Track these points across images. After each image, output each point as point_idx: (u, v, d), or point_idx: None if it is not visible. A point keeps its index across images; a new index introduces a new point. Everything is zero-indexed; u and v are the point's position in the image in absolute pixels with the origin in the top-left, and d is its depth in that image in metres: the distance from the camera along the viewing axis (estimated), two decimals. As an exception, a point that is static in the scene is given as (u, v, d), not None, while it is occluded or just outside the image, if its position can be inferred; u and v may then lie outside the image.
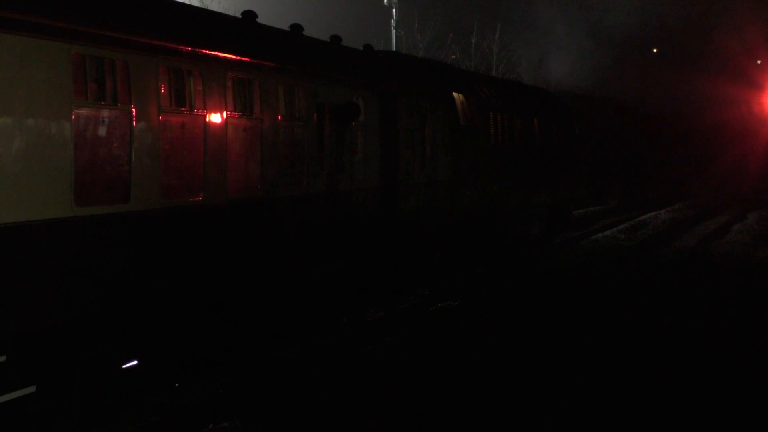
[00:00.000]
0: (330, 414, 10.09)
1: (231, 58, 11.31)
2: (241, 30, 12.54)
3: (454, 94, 18.45)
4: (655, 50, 71.92)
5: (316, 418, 9.95)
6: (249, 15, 13.26)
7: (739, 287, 18.77)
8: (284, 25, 14.58)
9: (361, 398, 10.65)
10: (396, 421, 9.90)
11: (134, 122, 9.57)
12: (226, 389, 10.87)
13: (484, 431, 9.70)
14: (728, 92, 61.69)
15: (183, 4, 11.92)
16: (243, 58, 11.57)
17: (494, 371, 11.95)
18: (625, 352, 12.96)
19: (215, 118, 10.93)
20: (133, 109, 9.55)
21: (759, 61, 65.65)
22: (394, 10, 38.45)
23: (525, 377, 11.59)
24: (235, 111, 11.33)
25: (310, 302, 13.68)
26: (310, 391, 10.90)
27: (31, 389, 8.55)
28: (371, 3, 46.39)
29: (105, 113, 9.37)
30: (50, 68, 8.48)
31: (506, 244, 21.72)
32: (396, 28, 38.98)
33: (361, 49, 17.41)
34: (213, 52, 10.93)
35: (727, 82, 61.04)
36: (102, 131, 9.43)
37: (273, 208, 12.26)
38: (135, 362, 10.27)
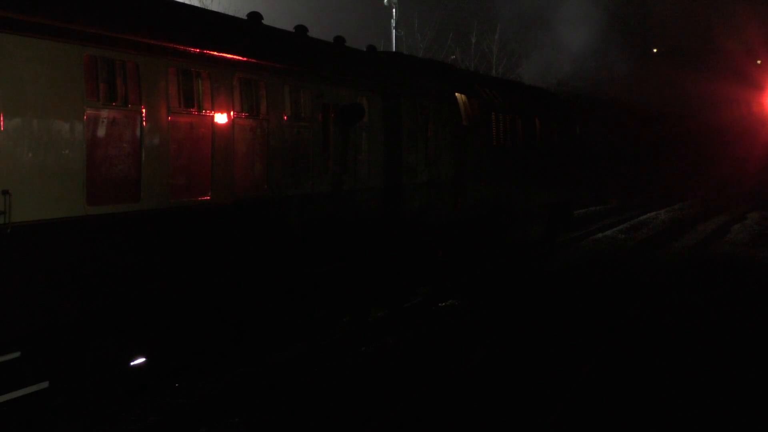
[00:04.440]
0: (330, 414, 10.19)
1: (238, 59, 11.45)
2: (248, 31, 12.68)
3: (456, 94, 18.59)
4: (655, 50, 72.04)
5: (316, 418, 10.05)
6: (254, 16, 13.39)
7: (739, 287, 18.90)
8: (284, 26, 14.69)
9: (362, 398, 10.75)
10: (397, 421, 10.01)
11: (144, 123, 9.71)
12: (226, 389, 10.96)
13: (485, 430, 9.84)
14: (728, 92, 61.76)
15: (191, 6, 12.07)
16: (250, 60, 11.71)
17: (495, 371, 12.07)
18: (625, 350, 13.10)
19: (223, 118, 11.06)
20: (143, 110, 9.68)
21: (759, 61, 65.74)
22: (394, 10, 38.55)
23: (526, 377, 11.70)
24: (242, 111, 11.47)
25: (314, 301, 13.82)
26: (311, 391, 11.00)
27: (44, 385, 8.69)
28: (371, 3, 46.52)
29: (116, 114, 9.50)
30: (63, 70, 8.62)
31: (508, 243, 21.85)
32: (396, 28, 39.07)
33: (365, 50, 17.55)
34: (221, 54, 11.08)
35: (727, 82, 61.11)
36: (113, 131, 9.56)
37: (279, 207, 12.40)
38: (143, 359, 10.40)
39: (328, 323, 14.39)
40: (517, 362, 12.44)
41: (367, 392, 10.99)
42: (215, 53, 10.97)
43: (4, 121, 8.01)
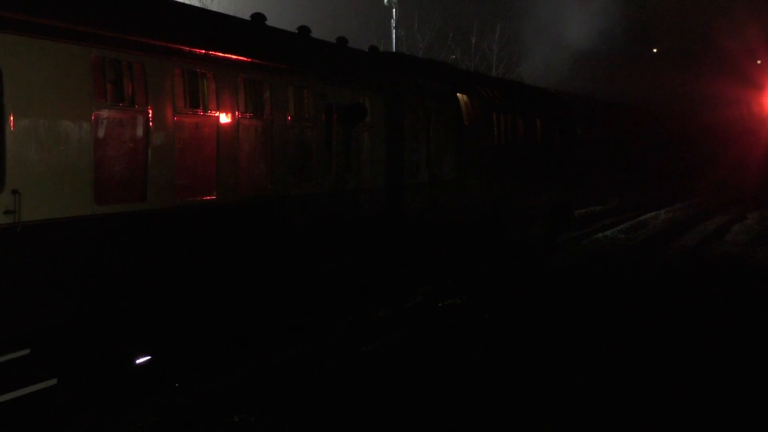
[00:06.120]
0: (331, 414, 10.23)
1: (242, 60, 11.55)
2: (252, 32, 12.78)
3: (458, 94, 18.68)
4: (655, 50, 72.16)
5: (316, 418, 10.10)
6: (258, 17, 13.49)
7: (739, 287, 18.97)
8: (285, 27, 14.76)
9: (362, 398, 10.81)
10: (398, 420, 10.08)
11: (150, 123, 9.81)
12: (226, 389, 10.99)
13: (485, 430, 9.92)
14: (728, 92, 61.85)
15: (195, 8, 12.15)
16: (254, 60, 11.82)
17: (496, 369, 12.14)
18: (625, 350, 13.18)
19: (227, 118, 11.17)
20: (150, 111, 9.79)
21: (759, 61, 65.85)
22: (394, 10, 38.62)
23: (526, 376, 11.76)
24: (246, 112, 11.58)
25: (317, 299, 13.90)
26: (312, 390, 11.06)
27: (53, 382, 8.78)
28: (371, 3, 46.60)
29: (123, 114, 9.62)
30: (71, 71, 8.72)
31: (509, 243, 21.95)
32: (396, 28, 39.15)
33: (367, 50, 17.65)
34: (225, 55, 11.18)
35: (727, 82, 61.21)
36: (120, 132, 9.68)
37: (282, 206, 12.50)
38: (148, 358, 10.48)
39: (331, 322, 14.48)
40: (517, 361, 12.52)
41: (368, 392, 11.05)
42: (220, 54, 11.07)
43: (13, 121, 8.11)
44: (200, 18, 11.94)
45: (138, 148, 9.79)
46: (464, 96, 18.93)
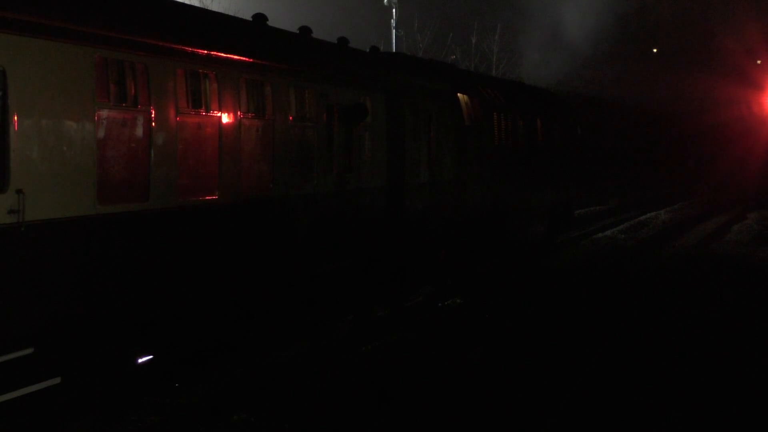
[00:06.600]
0: (331, 414, 10.25)
1: (244, 60, 11.60)
2: (253, 33, 12.83)
3: (458, 94, 18.72)
4: (655, 50, 72.21)
5: (316, 418, 10.12)
6: (260, 18, 13.53)
7: (740, 287, 19.01)
8: (285, 27, 14.80)
9: (364, 397, 10.83)
10: (399, 420, 10.10)
11: (153, 123, 9.86)
12: (226, 389, 11.02)
13: (484, 429, 9.94)
14: (728, 92, 61.87)
15: (197, 8, 12.18)
16: (256, 61, 11.87)
17: (495, 369, 12.17)
18: (626, 350, 13.21)
19: (229, 119, 11.22)
20: (152, 111, 9.84)
21: (759, 61, 65.89)
22: (394, 10, 38.68)
23: (526, 376, 11.78)
24: (248, 112, 11.63)
25: (318, 299, 13.94)
26: (313, 390, 11.08)
27: (56, 380, 8.83)
28: (371, 4, 46.64)
29: (126, 114, 9.67)
30: (75, 71, 8.77)
31: (509, 243, 21.98)
32: (396, 28, 39.21)
33: (368, 50, 17.69)
34: (227, 55, 11.23)
35: (727, 82, 61.23)
36: (123, 132, 9.72)
37: (284, 206, 12.55)
38: (149, 357, 10.52)
39: (331, 322, 14.51)
40: (517, 361, 12.55)
41: (368, 392, 11.08)
42: (222, 55, 11.12)
43: (17, 121, 8.16)
44: (202, 19, 11.99)
45: (140, 148, 9.84)
46: (465, 96, 18.97)
